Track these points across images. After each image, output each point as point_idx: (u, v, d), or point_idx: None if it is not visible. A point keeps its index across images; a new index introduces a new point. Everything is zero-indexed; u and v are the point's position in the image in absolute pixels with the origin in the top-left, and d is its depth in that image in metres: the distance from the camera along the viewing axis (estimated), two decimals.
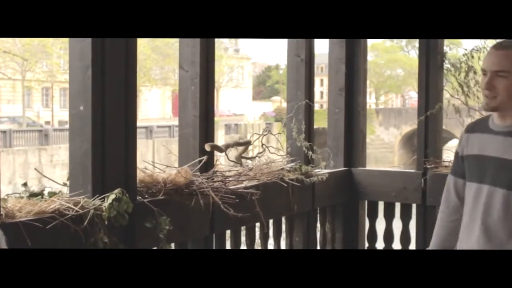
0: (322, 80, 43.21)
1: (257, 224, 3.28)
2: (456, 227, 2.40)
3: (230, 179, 3.11)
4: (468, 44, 3.86)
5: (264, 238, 3.35)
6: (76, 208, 2.18)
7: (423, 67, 3.81)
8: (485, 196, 2.23)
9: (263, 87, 55.82)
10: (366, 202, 4.03)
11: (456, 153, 2.47)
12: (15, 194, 2.24)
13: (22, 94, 30.58)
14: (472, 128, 2.41)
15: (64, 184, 2.40)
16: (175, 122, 22.76)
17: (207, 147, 2.99)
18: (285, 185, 3.29)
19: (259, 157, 3.53)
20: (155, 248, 2.52)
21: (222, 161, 3.42)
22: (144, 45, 25.88)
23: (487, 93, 2.19)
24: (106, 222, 2.24)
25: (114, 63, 2.39)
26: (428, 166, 3.75)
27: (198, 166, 2.89)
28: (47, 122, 33.02)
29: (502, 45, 2.20)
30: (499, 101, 2.18)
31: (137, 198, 2.50)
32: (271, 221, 3.37)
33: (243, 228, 3.22)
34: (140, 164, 2.62)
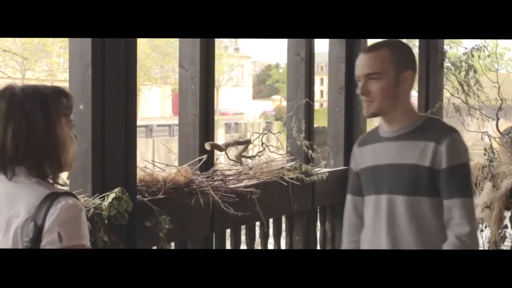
0: (322, 79, 43.17)
1: (257, 223, 3.29)
2: (359, 247, 2.28)
3: (230, 178, 3.11)
4: (469, 43, 3.86)
5: (264, 237, 3.35)
6: None
7: (423, 66, 3.82)
8: (385, 206, 2.12)
9: (263, 86, 55.80)
10: None
11: (350, 170, 2.36)
12: None
13: None
14: (363, 142, 2.30)
15: (64, 183, 2.40)
16: (175, 121, 22.75)
17: (207, 146, 2.99)
18: (285, 184, 3.29)
19: (259, 156, 3.53)
20: (155, 247, 2.52)
21: (222, 160, 3.43)
22: (144, 44, 25.85)
23: (364, 99, 2.11)
24: (106, 221, 2.24)
25: (114, 62, 2.39)
26: None
27: (198, 165, 2.89)
28: None
29: (369, 48, 2.14)
30: (377, 106, 2.10)
31: (137, 197, 2.50)
32: (271, 220, 3.37)
33: (243, 227, 3.22)
34: (140, 163, 2.63)
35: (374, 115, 2.13)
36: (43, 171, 1.52)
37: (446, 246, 2.03)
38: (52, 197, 1.47)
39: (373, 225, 2.17)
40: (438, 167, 2.03)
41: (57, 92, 1.56)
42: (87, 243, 1.52)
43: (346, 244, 2.35)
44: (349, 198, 2.36)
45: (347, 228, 2.34)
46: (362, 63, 2.11)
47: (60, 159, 1.54)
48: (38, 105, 1.50)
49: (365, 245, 2.23)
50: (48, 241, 1.44)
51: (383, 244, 2.12)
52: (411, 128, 2.11)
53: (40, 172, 1.52)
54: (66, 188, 1.59)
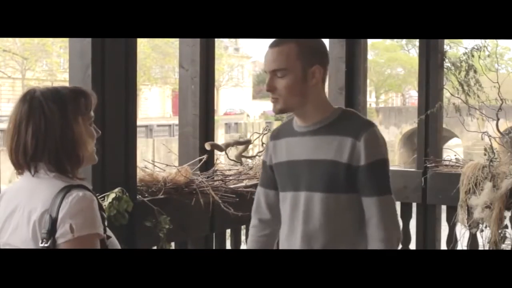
0: None
1: None
2: (268, 241, 2.21)
3: (230, 178, 3.11)
4: (469, 43, 3.86)
5: None
6: None
7: (423, 66, 3.81)
8: (303, 203, 2.02)
9: (263, 86, 55.70)
10: None
11: (264, 163, 2.22)
12: None
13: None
14: (277, 135, 2.16)
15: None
16: (175, 121, 22.74)
17: (207, 146, 2.99)
18: None
19: (259, 156, 3.53)
20: (155, 247, 2.52)
21: (222, 160, 3.43)
22: (144, 44, 25.85)
23: (271, 95, 1.99)
24: (106, 221, 2.24)
25: (114, 62, 2.39)
26: (429, 165, 3.75)
27: (198, 165, 2.90)
28: None
29: (276, 42, 1.98)
30: (283, 102, 1.98)
31: (137, 197, 2.51)
32: None
33: (243, 227, 3.22)
34: (140, 163, 2.63)
35: (281, 111, 2.03)
36: (61, 166, 1.62)
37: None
38: (65, 190, 1.56)
39: (290, 222, 2.07)
40: (356, 163, 1.94)
41: (75, 93, 1.67)
42: (100, 232, 1.59)
43: (254, 238, 2.22)
44: (261, 191, 2.21)
45: (258, 222, 2.21)
46: (268, 58, 1.99)
47: (78, 155, 1.64)
48: (56, 106, 1.61)
49: (283, 243, 2.12)
50: (61, 233, 1.52)
51: (297, 242, 2.03)
52: (325, 122, 2.01)
53: (59, 168, 1.61)
54: (83, 182, 1.66)
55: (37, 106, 1.60)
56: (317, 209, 1.99)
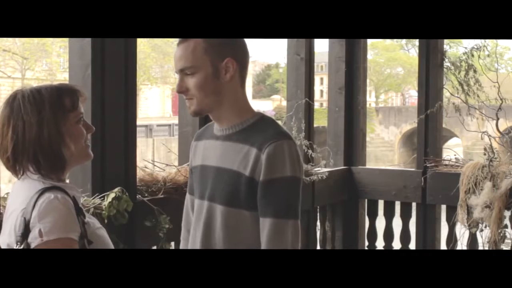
0: (322, 79, 43.14)
1: None
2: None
3: None
4: (469, 42, 3.86)
5: None
6: None
7: (423, 65, 3.82)
8: (204, 215, 1.86)
9: (263, 86, 55.77)
10: (366, 200, 4.04)
11: (189, 166, 2.07)
12: None
13: None
14: (198, 136, 2.01)
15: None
16: (175, 120, 22.75)
17: None
18: None
19: None
20: (155, 247, 2.52)
21: None
22: (143, 43, 25.87)
23: (185, 97, 1.82)
24: (106, 221, 2.24)
25: (113, 62, 2.39)
26: (428, 165, 3.75)
27: None
28: None
29: (182, 39, 1.81)
30: (197, 103, 1.80)
31: (137, 196, 2.51)
32: None
33: None
34: (140, 162, 2.63)
35: (197, 113, 1.86)
36: (41, 168, 1.58)
37: None
38: (39, 192, 1.52)
39: (193, 232, 1.93)
40: (258, 178, 1.74)
41: (57, 92, 1.61)
42: (73, 236, 1.52)
43: (183, 245, 2.08)
44: (187, 198, 2.06)
45: (185, 229, 2.07)
46: (175, 56, 1.82)
47: (59, 155, 1.59)
48: (33, 108, 1.57)
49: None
50: (32, 237, 1.48)
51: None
52: (239, 127, 1.83)
53: (39, 169, 1.58)
54: (60, 183, 1.60)
55: (16, 108, 1.57)
56: (218, 222, 1.82)
